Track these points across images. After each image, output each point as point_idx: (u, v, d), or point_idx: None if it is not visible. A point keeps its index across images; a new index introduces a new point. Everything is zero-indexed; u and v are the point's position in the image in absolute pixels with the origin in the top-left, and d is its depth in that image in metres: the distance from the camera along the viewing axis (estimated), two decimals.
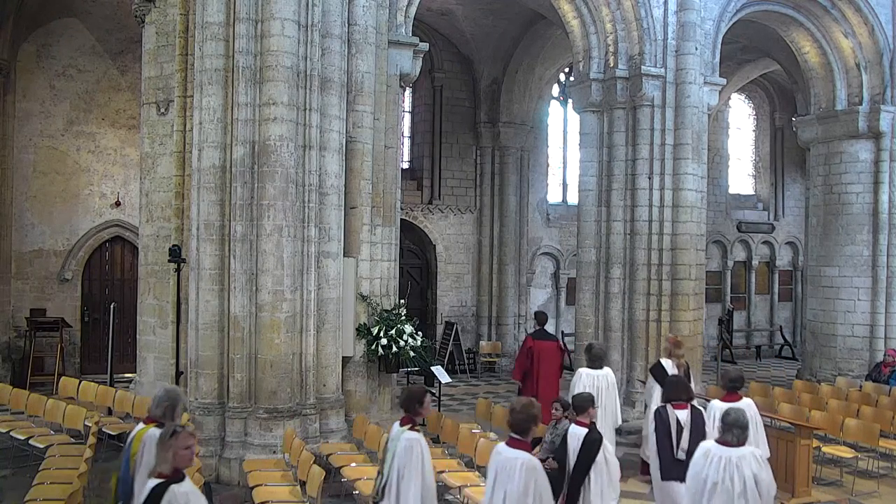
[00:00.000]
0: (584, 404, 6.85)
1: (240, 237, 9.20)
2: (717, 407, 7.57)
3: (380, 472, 6.02)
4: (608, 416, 9.08)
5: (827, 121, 15.86)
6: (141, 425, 5.73)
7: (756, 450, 5.83)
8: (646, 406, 10.22)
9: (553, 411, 8.44)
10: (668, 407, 7.35)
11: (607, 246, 13.31)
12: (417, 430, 5.97)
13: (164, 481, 4.64)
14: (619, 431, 9.99)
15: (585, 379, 9.14)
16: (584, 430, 6.67)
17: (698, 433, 7.06)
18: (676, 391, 7.53)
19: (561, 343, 12.54)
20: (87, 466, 7.32)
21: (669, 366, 9.81)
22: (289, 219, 9.22)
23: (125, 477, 5.55)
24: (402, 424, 6.02)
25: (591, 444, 6.47)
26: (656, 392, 9.45)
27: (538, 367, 11.26)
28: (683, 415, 7.28)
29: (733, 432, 5.67)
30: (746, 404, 7.69)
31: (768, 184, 22.87)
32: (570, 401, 7.20)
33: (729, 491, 5.52)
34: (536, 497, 5.29)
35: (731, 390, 7.96)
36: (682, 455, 7.02)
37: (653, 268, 12.98)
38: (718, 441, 5.78)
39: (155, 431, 5.39)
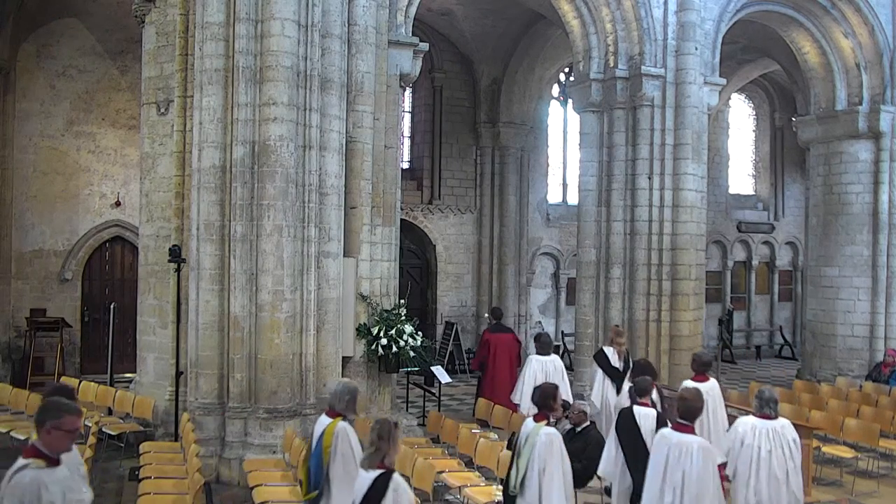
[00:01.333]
0: (647, 387, 7.51)
1: (240, 237, 9.20)
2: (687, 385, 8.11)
3: (515, 467, 6.23)
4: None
5: (827, 121, 15.86)
6: (326, 419, 6.05)
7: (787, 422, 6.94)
8: (591, 388, 11.12)
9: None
10: (635, 407, 7.61)
11: (607, 246, 13.31)
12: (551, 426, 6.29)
13: (385, 472, 4.97)
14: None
15: (535, 364, 10.32)
16: (654, 412, 7.36)
17: (663, 410, 8.01)
18: (640, 390, 7.79)
19: (515, 335, 13.32)
20: (86, 466, 7.30)
21: (611, 353, 10.56)
22: (289, 219, 9.22)
23: (317, 469, 5.91)
24: (536, 420, 6.29)
25: (664, 424, 6.84)
26: (598, 375, 10.44)
27: (495, 356, 12.36)
28: (656, 396, 8.10)
29: (770, 406, 6.85)
30: (711, 385, 8.63)
31: (768, 184, 22.87)
32: (633, 384, 7.68)
33: (780, 456, 6.68)
34: (713, 477, 5.88)
35: (701, 372, 8.78)
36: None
37: (653, 268, 12.98)
38: (757, 415, 6.89)
39: (344, 424, 5.94)
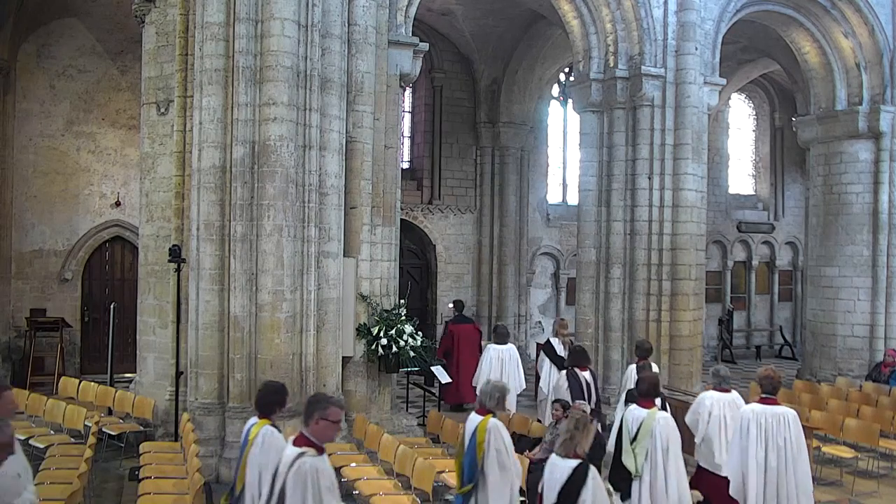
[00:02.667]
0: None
1: (240, 237, 9.19)
2: (631, 368, 9.89)
3: (633, 452, 6.82)
4: (512, 381, 11.30)
5: (827, 121, 15.86)
6: (477, 417, 6.39)
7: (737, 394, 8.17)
8: (538, 377, 11.99)
9: (553, 411, 8.47)
10: (576, 369, 9.43)
11: (607, 246, 13.31)
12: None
13: (582, 462, 5.35)
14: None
15: (493, 352, 11.64)
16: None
17: (598, 390, 9.74)
18: (580, 358, 9.70)
19: (477, 325, 14.27)
20: (87, 466, 7.31)
21: (556, 343, 11.73)
22: (289, 219, 9.22)
23: (472, 464, 6.27)
24: (645, 407, 6.98)
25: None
26: (545, 364, 11.45)
27: (459, 345, 13.48)
28: (588, 375, 9.56)
29: (726, 381, 8.15)
30: (656, 369, 9.76)
31: (768, 184, 22.87)
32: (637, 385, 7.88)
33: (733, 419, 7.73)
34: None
35: (642, 357, 9.82)
36: (592, 404, 9.19)
37: (653, 268, 12.98)
38: (717, 390, 8.09)
39: (495, 421, 6.32)
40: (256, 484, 5.41)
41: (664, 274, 12.95)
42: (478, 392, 9.87)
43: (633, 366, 9.81)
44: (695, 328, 13.18)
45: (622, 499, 6.74)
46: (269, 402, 5.72)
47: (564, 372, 9.59)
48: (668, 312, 12.93)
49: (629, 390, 8.35)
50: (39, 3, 14.44)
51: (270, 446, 5.50)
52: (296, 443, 4.79)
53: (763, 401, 7.18)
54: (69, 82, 15.04)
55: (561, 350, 11.50)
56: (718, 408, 8.01)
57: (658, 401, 7.31)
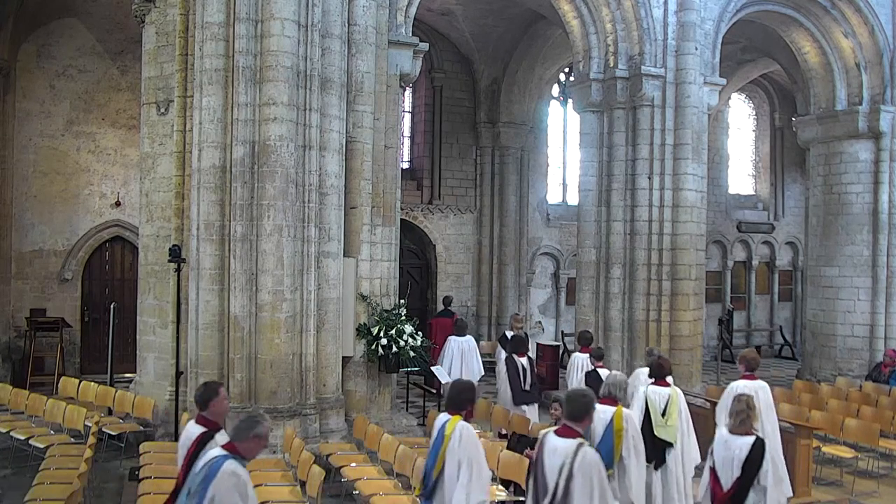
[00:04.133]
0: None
1: (240, 237, 9.19)
2: (581, 357, 11.01)
3: (667, 425, 7.52)
4: (470, 370, 12.21)
5: (827, 121, 15.86)
6: (608, 408, 6.79)
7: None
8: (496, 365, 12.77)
9: (552, 411, 8.47)
10: (514, 356, 10.70)
11: (607, 246, 13.31)
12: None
13: (758, 438, 6.10)
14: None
15: (454, 343, 12.42)
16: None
17: (535, 373, 10.99)
18: (519, 345, 10.92)
19: (454, 318, 14.63)
20: (87, 466, 7.31)
21: (511, 335, 12.48)
22: (289, 219, 9.22)
23: (610, 451, 6.66)
24: (663, 385, 7.84)
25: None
26: (501, 355, 11.96)
27: (436, 336, 13.96)
28: (525, 360, 10.76)
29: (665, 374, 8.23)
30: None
31: (768, 184, 22.87)
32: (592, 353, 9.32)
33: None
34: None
35: (598, 358, 10.42)
36: (527, 387, 10.60)
37: (653, 268, 12.98)
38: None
39: (629, 412, 6.91)
40: (456, 474, 5.78)
41: (664, 274, 12.95)
42: (443, 382, 11.06)
43: (579, 354, 11.10)
44: (695, 328, 13.19)
45: (656, 468, 7.56)
46: (462, 399, 6.00)
47: (504, 357, 11.04)
48: (668, 312, 12.94)
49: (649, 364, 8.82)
50: (39, 3, 14.44)
51: (468, 440, 5.85)
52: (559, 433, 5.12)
53: (746, 377, 8.50)
54: (69, 82, 15.03)
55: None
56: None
57: (670, 378, 8.17)
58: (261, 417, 4.81)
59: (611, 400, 6.88)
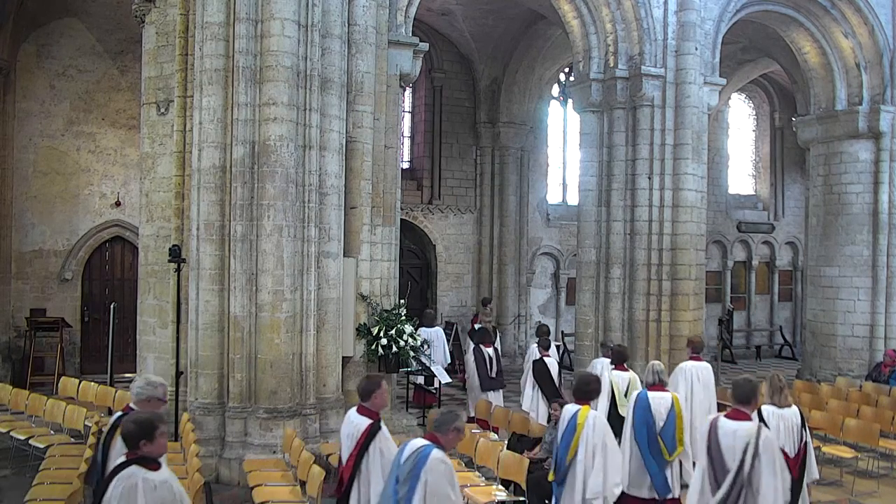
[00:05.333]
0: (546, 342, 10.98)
1: (240, 237, 9.19)
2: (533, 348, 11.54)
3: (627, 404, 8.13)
4: (437, 356, 12.81)
5: (827, 121, 15.86)
6: (665, 394, 7.37)
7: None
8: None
9: (552, 411, 8.48)
10: (481, 346, 11.85)
11: (607, 246, 13.31)
12: None
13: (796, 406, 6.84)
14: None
15: (423, 333, 12.09)
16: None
17: (500, 362, 12.06)
18: (485, 336, 12.16)
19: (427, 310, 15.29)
20: (87, 466, 7.30)
21: (490, 330, 13.77)
22: (289, 219, 9.22)
23: (671, 433, 7.18)
24: (622, 370, 9.22)
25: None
26: (471, 346, 12.62)
27: None
28: (491, 350, 11.85)
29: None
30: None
31: (768, 184, 22.87)
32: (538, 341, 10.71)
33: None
34: None
35: (545, 347, 11.15)
36: (493, 375, 11.62)
37: (653, 268, 12.98)
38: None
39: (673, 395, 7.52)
40: (591, 460, 6.31)
41: (664, 274, 12.95)
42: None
43: (535, 346, 11.56)
44: (695, 328, 13.17)
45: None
46: (589, 390, 6.68)
47: (472, 347, 11.83)
48: (668, 312, 12.93)
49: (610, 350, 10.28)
50: (39, 3, 14.45)
51: (601, 427, 6.43)
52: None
53: (692, 358, 9.61)
54: (69, 82, 15.04)
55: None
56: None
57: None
58: (458, 412, 5.37)
59: (660, 386, 7.48)
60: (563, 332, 19.11)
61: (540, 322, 13.70)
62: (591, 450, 6.30)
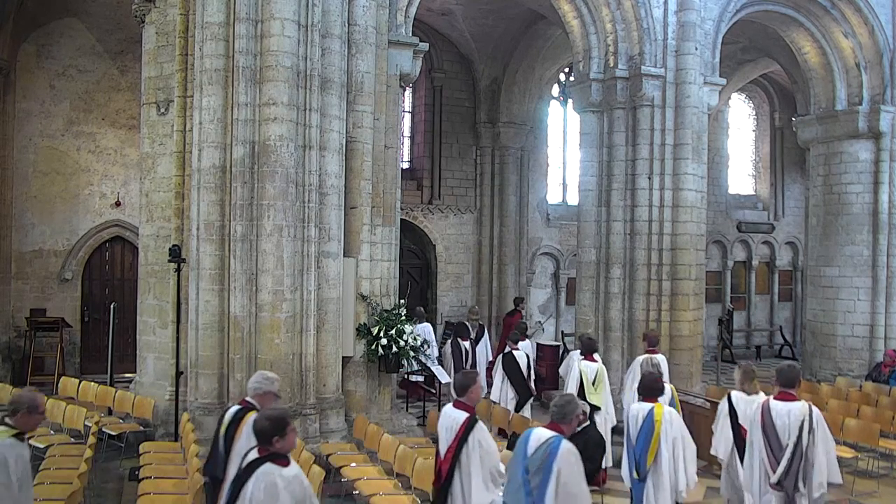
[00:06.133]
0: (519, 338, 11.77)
1: (240, 237, 9.20)
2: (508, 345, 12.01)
3: (596, 392, 9.32)
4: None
5: (827, 121, 15.85)
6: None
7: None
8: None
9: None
10: (458, 339, 13.06)
11: (607, 246, 13.30)
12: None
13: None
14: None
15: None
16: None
17: (474, 355, 13.21)
18: (461, 331, 13.35)
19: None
20: (87, 466, 7.31)
21: (468, 325, 14.39)
22: (289, 219, 9.22)
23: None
24: (591, 360, 9.63)
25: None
26: (449, 340, 13.93)
27: (506, 333, 14.61)
28: (467, 344, 13.02)
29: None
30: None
31: (768, 184, 22.86)
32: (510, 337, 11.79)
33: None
34: None
35: (514, 341, 11.79)
36: (467, 367, 12.51)
37: (653, 268, 12.98)
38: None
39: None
40: (672, 453, 6.59)
41: (664, 274, 12.94)
42: None
43: (505, 345, 12.26)
44: (695, 328, 13.18)
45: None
46: (657, 388, 6.94)
47: (449, 341, 12.70)
48: (668, 312, 12.93)
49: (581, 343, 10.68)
50: (39, 3, 14.44)
51: (678, 421, 6.74)
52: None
53: (648, 351, 10.24)
54: (69, 82, 15.03)
55: (471, 331, 14.31)
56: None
57: (597, 356, 9.99)
58: (575, 398, 5.68)
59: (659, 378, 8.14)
60: (563, 332, 19.10)
61: (519, 323, 14.14)
62: (673, 443, 6.62)
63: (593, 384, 9.38)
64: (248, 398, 5.96)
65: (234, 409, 5.99)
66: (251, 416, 5.39)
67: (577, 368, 9.64)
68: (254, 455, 4.61)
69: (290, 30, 9.18)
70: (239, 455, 5.24)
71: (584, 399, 9.20)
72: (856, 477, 9.90)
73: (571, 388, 9.50)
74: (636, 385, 8.20)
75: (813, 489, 6.56)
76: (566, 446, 5.22)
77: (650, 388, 6.92)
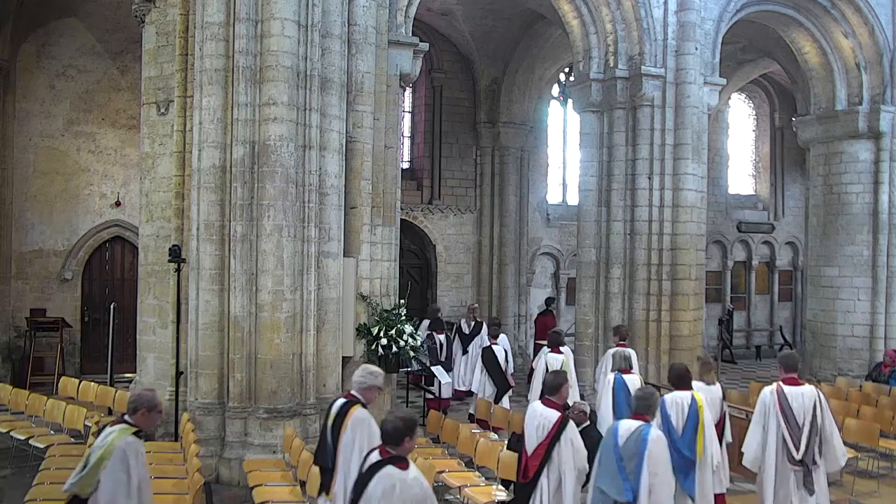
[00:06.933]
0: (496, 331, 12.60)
1: (240, 237, 9.19)
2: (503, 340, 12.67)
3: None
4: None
5: (827, 121, 15.85)
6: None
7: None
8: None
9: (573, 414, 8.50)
10: (434, 333, 13.28)
11: (607, 246, 13.31)
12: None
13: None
14: None
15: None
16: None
17: (449, 348, 13.77)
18: (437, 325, 13.58)
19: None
20: None
21: (463, 323, 14.84)
22: (289, 219, 9.22)
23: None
24: (557, 353, 10.87)
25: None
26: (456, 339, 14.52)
27: (539, 335, 15.44)
28: (442, 337, 13.50)
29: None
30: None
31: (768, 184, 22.86)
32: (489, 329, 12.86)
33: None
34: None
35: (493, 336, 12.54)
36: (442, 358, 13.13)
37: (653, 268, 12.98)
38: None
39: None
40: (714, 433, 7.13)
41: (664, 274, 12.94)
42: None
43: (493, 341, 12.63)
44: (695, 328, 13.18)
45: None
46: (688, 377, 7.31)
47: (426, 334, 13.02)
48: (668, 312, 12.93)
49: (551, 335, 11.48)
50: (39, 3, 14.44)
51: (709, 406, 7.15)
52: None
53: (619, 344, 10.84)
54: (69, 82, 15.03)
55: (466, 328, 14.78)
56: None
57: (564, 348, 10.96)
58: (655, 392, 6.25)
59: (628, 370, 9.42)
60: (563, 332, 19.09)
61: (494, 319, 14.86)
62: (711, 426, 7.17)
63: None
64: (353, 392, 6.20)
65: (339, 402, 6.21)
66: (356, 410, 5.93)
67: (543, 360, 10.65)
68: (376, 457, 4.78)
69: (290, 30, 9.18)
70: (346, 446, 5.85)
71: None
72: (856, 477, 9.90)
73: (538, 377, 10.42)
74: (610, 373, 9.64)
75: (830, 463, 7.34)
76: (655, 433, 5.87)
77: (681, 378, 7.34)
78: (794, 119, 17.57)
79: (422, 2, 11.64)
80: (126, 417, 5.36)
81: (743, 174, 23.09)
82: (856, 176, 15.49)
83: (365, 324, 10.26)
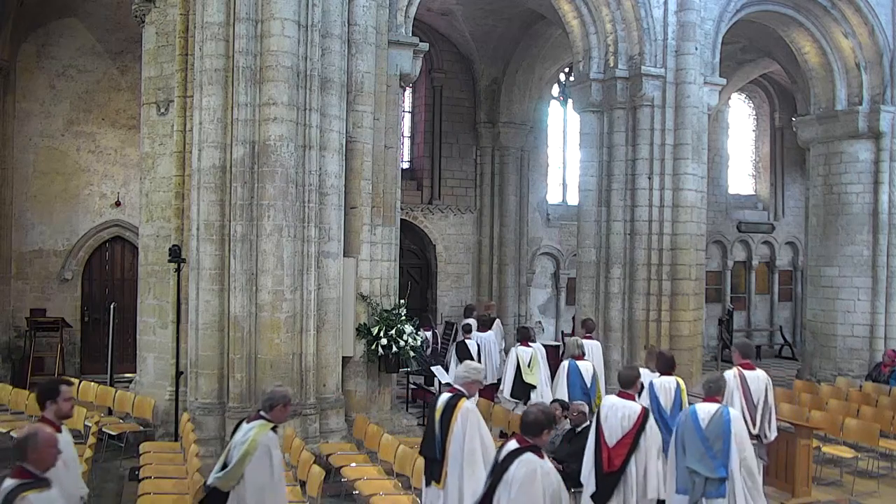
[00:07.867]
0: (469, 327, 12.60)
1: (240, 237, 9.20)
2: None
3: (532, 374, 10.83)
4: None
5: (827, 121, 15.85)
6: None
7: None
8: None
9: (569, 415, 8.49)
10: (421, 329, 12.07)
11: (607, 246, 13.31)
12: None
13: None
14: None
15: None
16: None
17: (437, 344, 14.72)
18: (424, 322, 13.29)
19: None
20: (87, 466, 7.30)
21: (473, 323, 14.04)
22: (289, 219, 9.22)
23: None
24: (525, 346, 11.05)
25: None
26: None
27: None
28: (430, 334, 14.16)
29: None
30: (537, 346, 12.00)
31: (768, 184, 22.86)
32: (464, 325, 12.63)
33: None
34: None
35: (466, 332, 12.52)
36: (428, 352, 13.41)
37: (653, 268, 12.98)
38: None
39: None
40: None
41: (664, 274, 12.95)
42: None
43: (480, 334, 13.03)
44: (695, 328, 13.18)
45: (524, 403, 10.24)
46: (673, 364, 7.91)
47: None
48: (668, 312, 12.93)
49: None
50: (39, 3, 14.44)
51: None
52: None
53: (586, 336, 11.21)
54: (69, 82, 15.02)
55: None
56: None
57: (532, 343, 11.23)
58: (723, 376, 6.89)
59: (581, 356, 10.15)
60: (563, 331, 19.10)
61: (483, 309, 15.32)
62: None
63: (528, 366, 10.77)
64: (456, 386, 6.57)
65: (445, 396, 6.53)
66: (464, 402, 6.29)
67: (514, 354, 11.01)
68: (513, 445, 4.98)
69: (290, 30, 9.18)
70: (457, 436, 6.20)
71: (522, 379, 10.66)
72: (856, 477, 9.90)
73: (510, 370, 10.86)
74: (564, 360, 10.20)
75: (773, 431, 8.17)
76: (735, 413, 6.46)
77: (669, 365, 7.88)
78: (794, 119, 17.57)
79: (422, 2, 11.64)
80: (262, 413, 5.65)
81: (743, 174, 23.08)
82: (856, 176, 15.49)
83: (365, 324, 10.26)
